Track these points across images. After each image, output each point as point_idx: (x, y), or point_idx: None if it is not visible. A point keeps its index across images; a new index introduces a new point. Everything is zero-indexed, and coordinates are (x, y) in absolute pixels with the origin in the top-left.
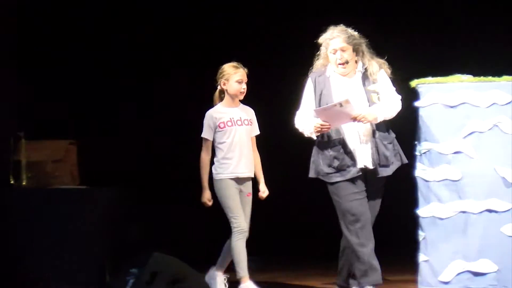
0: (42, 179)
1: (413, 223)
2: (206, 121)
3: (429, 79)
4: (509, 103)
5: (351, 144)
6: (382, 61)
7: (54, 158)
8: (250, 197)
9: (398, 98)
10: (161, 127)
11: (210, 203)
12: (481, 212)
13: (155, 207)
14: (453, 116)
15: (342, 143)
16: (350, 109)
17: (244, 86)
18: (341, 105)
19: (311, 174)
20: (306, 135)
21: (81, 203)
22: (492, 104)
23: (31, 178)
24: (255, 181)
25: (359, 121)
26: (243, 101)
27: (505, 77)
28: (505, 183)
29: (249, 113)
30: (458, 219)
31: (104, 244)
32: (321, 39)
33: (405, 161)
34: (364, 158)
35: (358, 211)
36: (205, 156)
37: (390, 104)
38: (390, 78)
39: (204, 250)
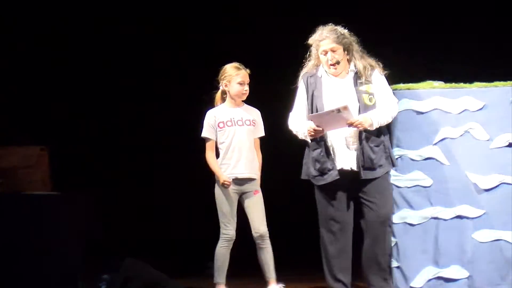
0: (13, 185)
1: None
2: (206, 120)
3: (401, 85)
4: (480, 109)
5: (336, 147)
6: (374, 61)
7: (25, 164)
8: (258, 194)
9: (394, 102)
10: (137, 131)
11: (229, 182)
12: (452, 218)
13: (130, 211)
14: (425, 123)
15: (325, 146)
16: (348, 115)
17: (246, 87)
18: (339, 111)
19: (302, 175)
20: (300, 138)
21: (52, 209)
22: (464, 111)
23: (2, 184)
24: (266, 181)
25: (355, 127)
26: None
27: (476, 84)
28: (476, 190)
29: (253, 114)
30: (429, 226)
31: (77, 249)
32: (310, 40)
33: (396, 164)
34: (348, 161)
35: (338, 218)
36: (210, 154)
37: (386, 110)
38: (385, 77)
39: (187, 253)
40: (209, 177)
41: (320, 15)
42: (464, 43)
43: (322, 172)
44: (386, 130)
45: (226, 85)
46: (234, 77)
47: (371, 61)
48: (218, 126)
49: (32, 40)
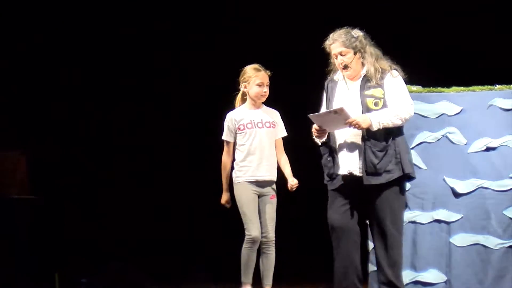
0: None
1: (365, 233)
2: (226, 123)
3: None
4: (458, 114)
5: (340, 152)
6: (389, 63)
7: (2, 168)
8: (274, 199)
9: (405, 104)
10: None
11: (228, 206)
12: (429, 222)
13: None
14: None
15: (331, 151)
16: (345, 116)
17: (266, 89)
18: (335, 112)
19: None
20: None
21: (30, 213)
22: (441, 115)
23: None
24: (281, 183)
25: (353, 127)
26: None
27: (454, 88)
28: (454, 194)
29: (273, 115)
30: (407, 230)
31: (52, 252)
32: (325, 45)
33: (407, 170)
34: (352, 166)
35: (336, 223)
36: (225, 158)
37: (391, 111)
38: (404, 80)
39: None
40: (207, 179)
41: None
42: (441, 47)
43: (331, 177)
44: (398, 134)
45: (245, 87)
46: (253, 78)
47: (385, 64)
48: (239, 128)
49: (31, 40)
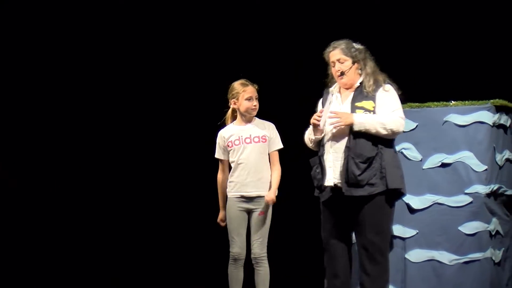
0: None
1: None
2: (217, 141)
3: None
4: (413, 130)
5: (327, 163)
6: (382, 77)
7: None
8: (264, 216)
9: (394, 116)
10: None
11: (223, 224)
12: None
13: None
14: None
15: (320, 162)
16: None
17: (255, 102)
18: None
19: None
20: (310, 145)
21: None
22: None
23: None
24: (282, 198)
25: (335, 123)
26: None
27: (409, 104)
28: (409, 209)
29: (266, 128)
30: None
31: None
32: (325, 53)
33: (393, 186)
34: (336, 177)
35: (325, 238)
36: (219, 176)
37: (377, 117)
38: (398, 96)
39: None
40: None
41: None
42: (396, 63)
43: (320, 190)
44: (386, 147)
45: (234, 103)
46: (242, 94)
47: (380, 78)
48: (228, 145)
49: (31, 39)
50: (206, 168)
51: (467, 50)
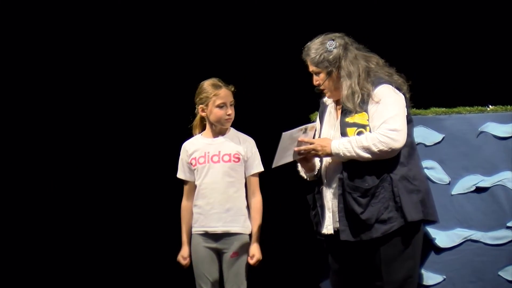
0: None
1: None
2: (180, 156)
3: None
4: (438, 143)
5: (325, 200)
6: (373, 77)
7: None
8: (238, 258)
9: (382, 130)
10: None
11: (184, 262)
12: None
13: None
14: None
15: (315, 199)
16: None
17: (230, 111)
18: (305, 130)
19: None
20: (308, 180)
21: None
22: (417, 145)
23: None
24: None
25: (307, 152)
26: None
27: (433, 109)
28: (434, 249)
29: (240, 144)
30: None
31: None
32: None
33: (413, 217)
34: (336, 219)
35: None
36: (183, 202)
37: (357, 139)
38: (406, 89)
39: None
40: None
41: None
42: (420, 59)
43: (321, 235)
44: (393, 168)
45: (202, 110)
46: (212, 99)
47: (367, 83)
48: (190, 163)
49: (30, 39)
50: None
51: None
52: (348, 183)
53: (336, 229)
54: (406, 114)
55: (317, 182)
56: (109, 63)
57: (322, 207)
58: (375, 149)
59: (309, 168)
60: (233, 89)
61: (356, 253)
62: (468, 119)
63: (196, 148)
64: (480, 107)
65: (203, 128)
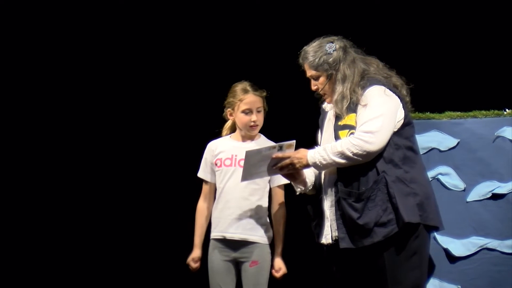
0: None
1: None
2: (204, 155)
3: None
4: (453, 148)
5: (325, 207)
6: (366, 80)
7: None
8: (257, 267)
9: (359, 133)
10: None
11: (194, 266)
12: None
13: None
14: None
15: (313, 208)
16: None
17: (255, 117)
18: (281, 147)
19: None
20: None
21: None
22: (431, 150)
23: None
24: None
25: (285, 166)
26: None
27: (448, 113)
28: (449, 258)
29: None
30: None
31: None
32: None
33: (410, 218)
34: (335, 227)
35: None
36: (200, 203)
37: (332, 146)
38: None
39: None
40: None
41: None
42: (432, 60)
43: (322, 246)
44: (395, 166)
45: (230, 114)
46: (238, 104)
47: (357, 88)
48: (215, 163)
49: (30, 39)
50: None
51: None
52: (342, 189)
53: (335, 238)
54: (397, 116)
55: (319, 192)
56: (127, 62)
57: (322, 216)
58: (349, 153)
59: (300, 183)
60: (264, 94)
61: (359, 262)
62: (484, 123)
63: (223, 149)
64: (496, 111)
65: (233, 130)
